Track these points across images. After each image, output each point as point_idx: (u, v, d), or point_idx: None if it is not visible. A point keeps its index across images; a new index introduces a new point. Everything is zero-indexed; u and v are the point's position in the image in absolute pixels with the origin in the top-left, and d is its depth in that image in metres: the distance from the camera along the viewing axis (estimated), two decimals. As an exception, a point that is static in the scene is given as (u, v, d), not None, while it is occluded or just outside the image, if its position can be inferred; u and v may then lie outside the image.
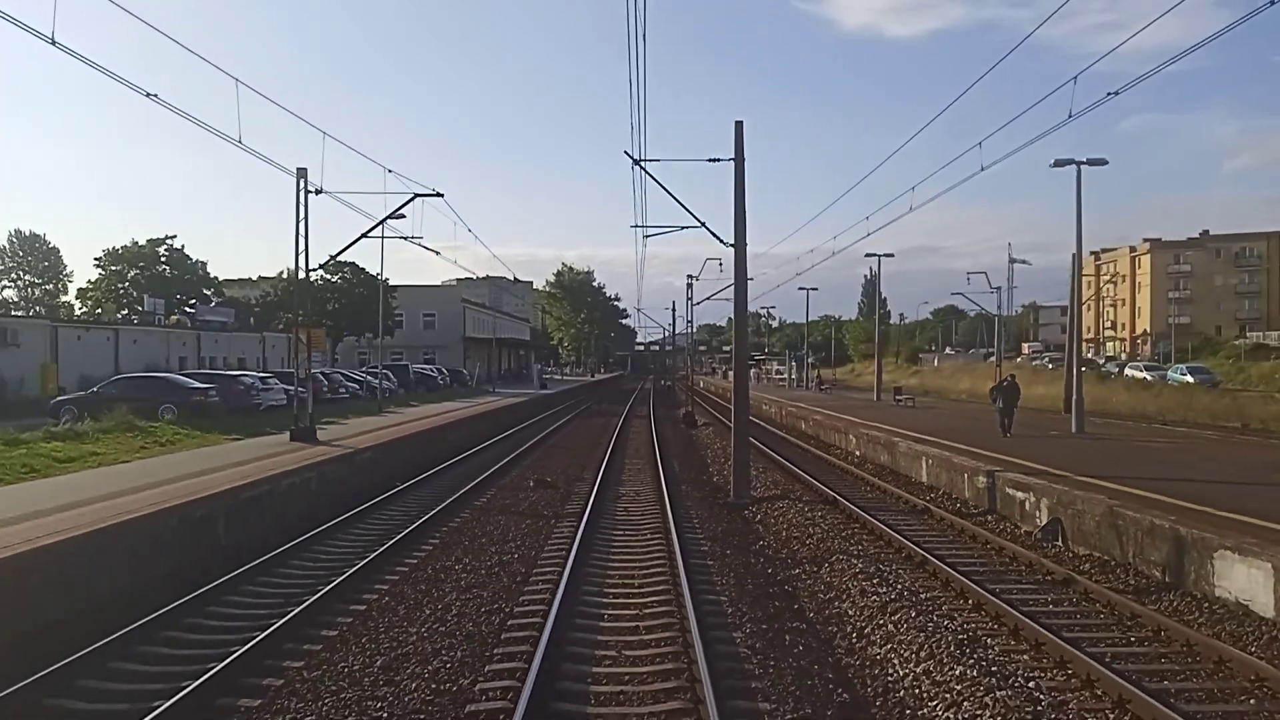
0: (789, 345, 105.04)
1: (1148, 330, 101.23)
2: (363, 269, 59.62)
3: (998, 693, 7.44)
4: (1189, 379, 54.70)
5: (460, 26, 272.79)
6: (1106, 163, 25.07)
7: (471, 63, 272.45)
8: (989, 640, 9.03)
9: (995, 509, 15.94)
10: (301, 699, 7.60)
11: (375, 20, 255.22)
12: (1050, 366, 69.76)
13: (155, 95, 15.16)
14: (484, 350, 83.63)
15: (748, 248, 19.34)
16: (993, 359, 52.26)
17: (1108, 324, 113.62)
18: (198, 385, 27.68)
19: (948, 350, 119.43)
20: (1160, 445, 22.84)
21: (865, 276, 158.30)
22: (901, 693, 7.95)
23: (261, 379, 31.59)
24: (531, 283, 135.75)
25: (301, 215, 21.78)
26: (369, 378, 40.96)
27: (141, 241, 63.41)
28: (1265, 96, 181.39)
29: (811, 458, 26.21)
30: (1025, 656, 8.63)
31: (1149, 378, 57.83)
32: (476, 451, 26.83)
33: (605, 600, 10.72)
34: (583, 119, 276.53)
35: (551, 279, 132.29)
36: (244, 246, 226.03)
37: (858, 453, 26.30)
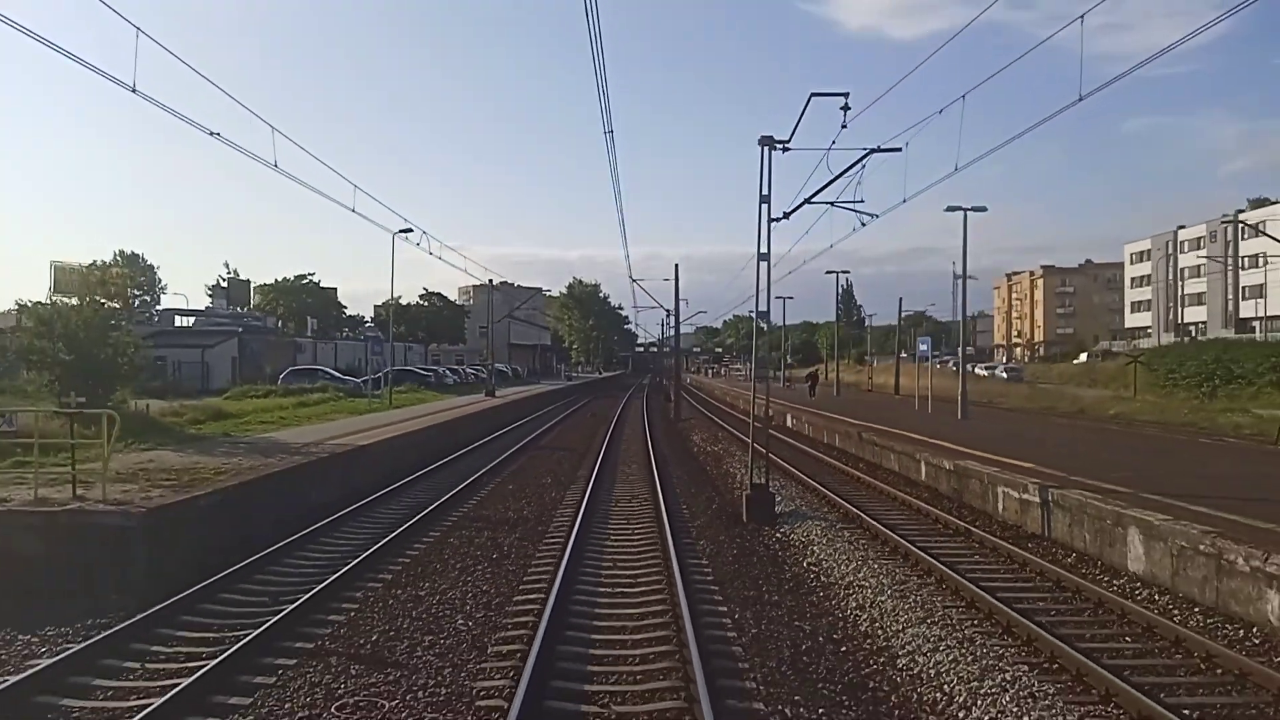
0: (773, 346, 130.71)
1: (1040, 339, 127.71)
2: (447, 297, 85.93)
3: (728, 458, 33.74)
4: (1003, 375, 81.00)
5: (466, 32, 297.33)
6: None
7: (479, 71, 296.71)
8: (733, 450, 35.21)
9: (777, 421, 42.26)
10: (550, 448, 33.81)
11: (390, 30, 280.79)
12: (938, 368, 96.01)
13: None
14: (523, 353, 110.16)
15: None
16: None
17: (1016, 333, 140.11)
18: (424, 374, 54.22)
19: (902, 354, 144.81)
20: (872, 400, 49.14)
21: (842, 287, 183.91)
22: (703, 455, 34.28)
23: (444, 371, 58.33)
24: (540, 288, 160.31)
25: (492, 312, 48.19)
26: (478, 372, 67.20)
27: (291, 277, 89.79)
28: (1263, 101, 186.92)
29: (722, 411, 52.46)
30: (734, 447, 34.82)
31: (984, 373, 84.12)
32: (557, 407, 53.16)
33: (622, 440, 36.79)
34: (586, 125, 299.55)
35: (564, 290, 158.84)
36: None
37: (742, 406, 52.68)
